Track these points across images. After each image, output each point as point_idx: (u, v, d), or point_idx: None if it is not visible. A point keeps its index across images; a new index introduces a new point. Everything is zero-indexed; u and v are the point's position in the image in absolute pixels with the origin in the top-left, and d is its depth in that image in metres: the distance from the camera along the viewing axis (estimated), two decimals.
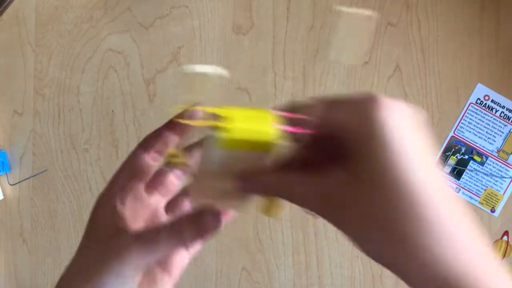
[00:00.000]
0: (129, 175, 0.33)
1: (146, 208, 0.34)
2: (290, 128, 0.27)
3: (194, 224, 0.29)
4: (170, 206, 0.36)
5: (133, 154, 0.33)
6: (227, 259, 0.82)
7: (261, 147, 0.27)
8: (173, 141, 0.33)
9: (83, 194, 0.84)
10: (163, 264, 0.34)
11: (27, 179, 0.85)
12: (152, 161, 0.33)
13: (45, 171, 0.84)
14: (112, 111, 0.84)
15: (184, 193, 0.36)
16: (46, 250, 0.85)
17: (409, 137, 0.23)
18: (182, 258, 0.35)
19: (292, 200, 0.26)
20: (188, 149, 0.34)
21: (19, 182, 0.85)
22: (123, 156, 0.84)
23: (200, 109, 0.29)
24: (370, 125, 0.23)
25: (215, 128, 0.27)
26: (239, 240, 0.82)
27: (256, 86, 0.82)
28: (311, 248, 0.81)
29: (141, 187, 0.34)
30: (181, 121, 0.30)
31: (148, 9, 0.83)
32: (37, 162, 0.85)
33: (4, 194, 0.85)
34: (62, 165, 0.84)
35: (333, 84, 0.82)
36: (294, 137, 0.28)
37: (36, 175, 0.84)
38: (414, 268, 0.22)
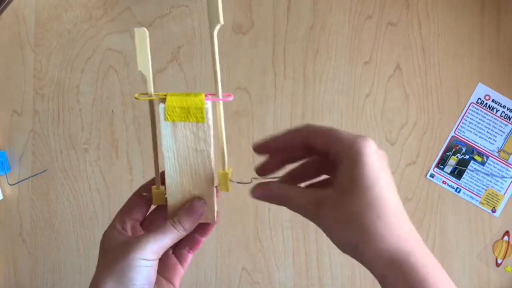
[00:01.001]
0: (125, 213, 0.41)
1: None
2: (213, 98, 0.37)
3: (187, 211, 0.39)
4: (147, 223, 0.43)
5: (130, 198, 0.43)
6: (227, 259, 0.82)
7: (194, 115, 0.36)
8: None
9: (83, 194, 0.84)
10: (167, 275, 0.42)
11: (26, 179, 0.84)
12: (144, 203, 0.42)
13: (44, 171, 0.84)
14: (112, 111, 0.83)
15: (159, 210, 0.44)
16: (45, 250, 0.85)
17: (376, 163, 0.33)
18: (179, 269, 0.43)
19: (290, 207, 0.36)
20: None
21: (18, 182, 0.84)
22: (122, 156, 0.84)
23: (157, 94, 0.39)
24: (354, 151, 0.33)
25: (162, 101, 0.37)
26: (239, 240, 0.82)
27: (256, 86, 0.82)
28: (311, 248, 0.81)
29: (137, 220, 0.42)
30: None
31: (148, 8, 0.83)
32: (36, 162, 0.84)
33: (3, 194, 0.85)
34: (61, 165, 0.84)
35: (333, 83, 0.82)
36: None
37: (35, 175, 0.84)
38: (371, 251, 0.32)
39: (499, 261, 0.80)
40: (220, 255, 0.82)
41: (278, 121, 0.82)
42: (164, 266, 0.42)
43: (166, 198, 0.40)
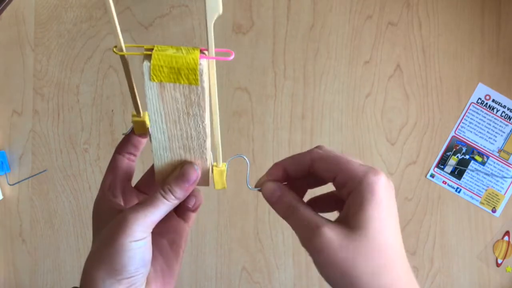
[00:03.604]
0: (112, 174, 0.39)
1: (136, 197, 0.40)
2: (209, 57, 0.31)
3: (178, 178, 0.35)
4: (142, 184, 0.41)
5: (112, 158, 0.40)
6: (227, 259, 0.82)
7: (186, 77, 0.31)
8: (140, 141, 0.40)
9: (83, 194, 0.84)
10: (168, 236, 0.39)
11: (26, 179, 0.84)
12: (128, 160, 0.40)
13: (44, 171, 0.84)
14: (112, 110, 0.83)
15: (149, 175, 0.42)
16: (45, 250, 0.85)
17: (385, 203, 0.31)
18: (182, 227, 0.40)
19: (293, 223, 0.34)
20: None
21: (18, 182, 0.84)
22: None
23: (137, 46, 0.33)
24: (364, 187, 0.31)
25: (147, 57, 0.31)
26: (239, 240, 0.82)
27: (256, 86, 0.82)
28: None
29: (126, 181, 0.39)
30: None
31: (148, 8, 0.82)
32: (36, 162, 0.84)
33: (3, 194, 0.85)
34: (61, 165, 0.84)
35: (333, 83, 0.82)
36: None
37: (35, 175, 0.84)
38: None
39: (500, 261, 0.80)
40: (220, 255, 0.82)
41: (278, 121, 0.82)
42: (165, 226, 0.39)
43: (148, 129, 0.36)
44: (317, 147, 0.35)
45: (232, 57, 0.31)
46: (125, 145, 0.39)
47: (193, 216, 0.41)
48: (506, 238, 0.80)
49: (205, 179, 0.37)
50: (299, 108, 0.82)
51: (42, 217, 0.85)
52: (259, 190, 0.37)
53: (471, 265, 0.81)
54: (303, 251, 0.81)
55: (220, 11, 0.28)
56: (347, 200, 0.32)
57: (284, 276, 0.82)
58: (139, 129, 0.37)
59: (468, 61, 0.81)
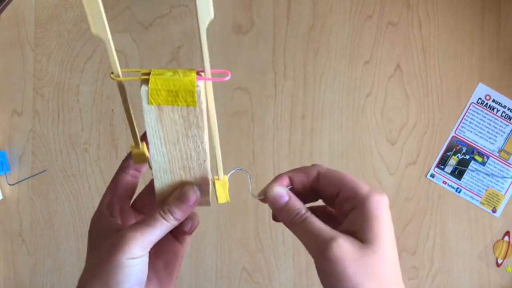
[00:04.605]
0: (111, 193, 0.39)
1: (133, 217, 0.40)
2: (206, 78, 0.31)
3: (178, 200, 0.35)
4: (138, 204, 0.41)
5: (115, 175, 0.39)
6: (227, 259, 0.82)
7: (183, 99, 0.31)
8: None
9: (83, 194, 0.84)
10: (163, 257, 0.39)
11: (26, 179, 0.84)
12: (131, 177, 0.40)
13: (44, 171, 0.84)
14: (112, 110, 0.83)
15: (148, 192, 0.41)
16: (45, 250, 0.85)
17: (391, 225, 0.33)
18: (178, 249, 0.40)
19: (299, 232, 0.35)
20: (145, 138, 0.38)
21: (18, 182, 0.84)
22: (122, 156, 0.84)
23: (132, 71, 0.35)
24: (373, 205, 0.32)
25: (144, 82, 0.31)
26: (239, 240, 0.82)
27: (256, 86, 0.82)
28: None
29: (125, 200, 0.39)
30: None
31: (148, 8, 0.82)
32: (36, 162, 0.84)
33: (3, 194, 0.85)
34: (61, 165, 0.84)
35: (333, 83, 0.81)
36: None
37: (35, 175, 0.84)
38: None
39: (500, 261, 0.80)
40: (220, 255, 0.82)
41: (278, 121, 0.82)
42: (161, 248, 0.38)
43: (148, 159, 0.36)
44: (316, 165, 0.36)
45: (228, 78, 0.31)
46: (128, 162, 0.39)
47: (188, 238, 0.40)
48: (506, 238, 0.80)
49: (206, 199, 0.37)
50: (299, 108, 0.82)
51: (42, 217, 0.85)
52: (262, 199, 0.36)
53: (471, 265, 0.81)
54: (303, 251, 0.81)
55: (212, 15, 0.28)
56: (349, 214, 0.33)
57: (284, 276, 0.82)
58: (139, 161, 0.37)
59: (468, 61, 0.81)
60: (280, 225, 0.87)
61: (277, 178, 0.37)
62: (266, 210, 0.81)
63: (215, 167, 0.37)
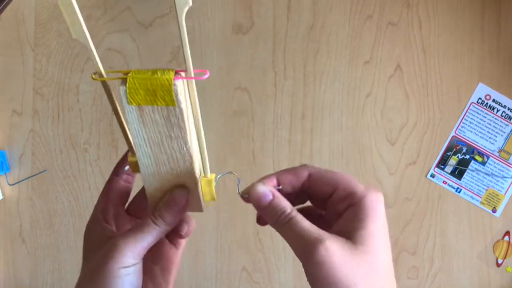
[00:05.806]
0: (106, 198, 0.38)
1: (128, 222, 0.40)
2: (184, 77, 0.31)
3: (167, 205, 0.35)
4: (133, 208, 0.41)
5: (108, 180, 0.39)
6: (227, 259, 0.82)
7: (162, 98, 0.31)
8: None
9: (83, 194, 0.84)
10: (159, 263, 0.38)
11: (26, 179, 0.84)
12: (124, 182, 0.39)
13: (44, 171, 0.84)
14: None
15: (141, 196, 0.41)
16: (45, 250, 0.85)
17: (385, 225, 0.32)
18: (174, 254, 0.39)
19: (286, 233, 0.33)
20: None
21: (18, 182, 0.84)
22: None
23: (116, 71, 0.34)
24: (369, 204, 0.31)
25: (123, 82, 0.31)
26: (239, 240, 0.82)
27: (256, 86, 0.82)
28: None
29: (119, 205, 0.39)
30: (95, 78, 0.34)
31: (147, 8, 0.82)
32: (36, 162, 0.84)
33: (3, 194, 0.85)
34: (61, 165, 0.84)
35: (333, 83, 0.81)
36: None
37: (35, 175, 0.84)
38: None
39: (500, 261, 0.80)
40: (220, 255, 0.82)
41: (278, 121, 0.82)
42: (157, 253, 0.38)
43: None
44: (305, 165, 0.35)
45: (206, 76, 0.31)
46: (121, 166, 0.39)
47: (183, 242, 0.40)
48: (506, 238, 0.80)
49: (198, 205, 0.37)
50: (299, 108, 0.82)
51: (42, 217, 0.85)
52: (246, 199, 0.35)
53: (471, 265, 0.81)
54: None
55: (190, 3, 0.27)
56: (344, 214, 0.32)
57: (284, 276, 0.82)
58: (136, 169, 0.36)
59: (468, 61, 0.81)
60: None
61: (263, 178, 0.36)
62: None
63: (202, 164, 0.36)
